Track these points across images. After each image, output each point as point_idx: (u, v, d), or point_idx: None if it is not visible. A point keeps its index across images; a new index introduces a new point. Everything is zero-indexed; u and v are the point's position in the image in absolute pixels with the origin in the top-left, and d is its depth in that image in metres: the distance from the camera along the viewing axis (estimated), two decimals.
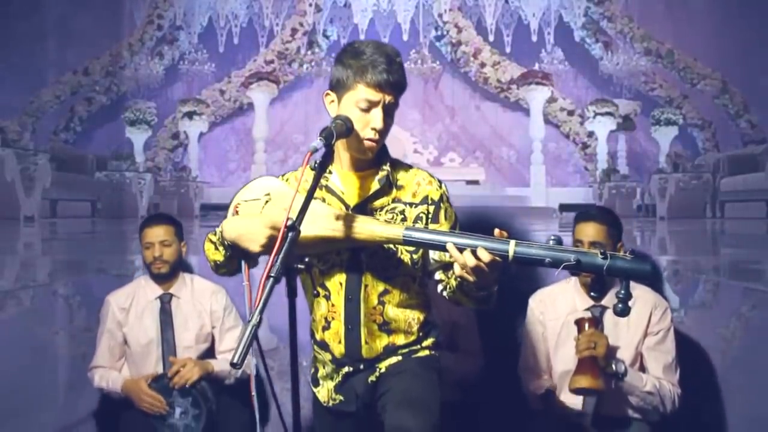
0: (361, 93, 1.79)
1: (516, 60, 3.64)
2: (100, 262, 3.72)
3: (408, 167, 2.01)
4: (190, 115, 3.64)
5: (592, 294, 1.65)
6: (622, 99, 3.46)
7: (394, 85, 1.76)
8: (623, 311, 1.54)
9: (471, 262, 1.59)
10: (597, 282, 1.58)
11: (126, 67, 3.80)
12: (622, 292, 1.52)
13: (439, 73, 3.55)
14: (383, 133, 1.81)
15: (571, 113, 3.38)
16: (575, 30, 3.56)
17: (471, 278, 1.63)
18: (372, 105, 1.77)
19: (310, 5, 3.70)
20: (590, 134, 3.31)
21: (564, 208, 3.86)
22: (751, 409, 3.25)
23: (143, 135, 3.56)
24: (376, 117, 1.78)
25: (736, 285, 3.51)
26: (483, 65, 3.56)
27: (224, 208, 1.93)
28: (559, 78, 3.62)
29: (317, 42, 3.64)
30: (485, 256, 1.58)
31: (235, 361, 1.31)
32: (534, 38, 3.51)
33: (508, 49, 3.63)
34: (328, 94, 1.97)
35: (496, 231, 1.63)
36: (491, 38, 3.63)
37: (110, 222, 3.83)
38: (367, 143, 1.80)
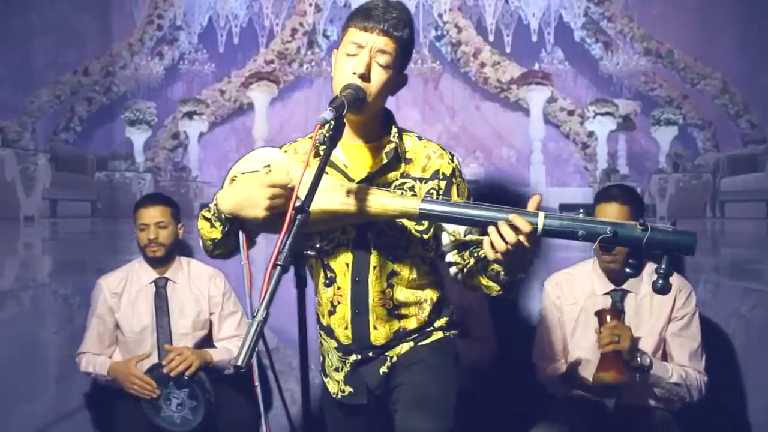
0: (349, 35, 1.72)
1: (516, 60, 3.65)
2: (100, 262, 3.71)
3: (417, 138, 1.86)
4: (190, 115, 3.63)
5: (627, 271, 1.54)
6: (622, 99, 3.47)
7: (384, 29, 1.69)
8: (664, 288, 1.49)
9: (511, 237, 1.48)
10: (635, 257, 1.52)
11: (126, 67, 3.79)
12: (663, 267, 1.48)
13: (439, 73, 3.55)
14: (366, 78, 1.70)
15: (571, 113, 3.39)
16: (575, 30, 3.57)
17: (502, 256, 1.52)
18: (359, 48, 1.70)
19: (310, 5, 3.69)
20: (590, 134, 3.33)
21: (564, 208, 3.87)
22: (750, 409, 3.25)
23: (143, 135, 3.56)
24: (359, 60, 1.69)
25: (736, 285, 3.51)
26: (483, 65, 3.56)
27: None
28: (559, 78, 3.61)
29: (317, 42, 3.64)
30: (524, 226, 1.47)
31: (239, 363, 1.23)
32: (534, 38, 3.52)
33: (508, 49, 3.63)
34: (335, 52, 1.81)
35: (532, 201, 1.54)
36: (491, 38, 3.63)
37: (110, 222, 3.82)
38: None
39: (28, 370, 3.55)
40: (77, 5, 3.83)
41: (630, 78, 3.61)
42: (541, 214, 1.50)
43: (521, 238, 1.49)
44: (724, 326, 3.31)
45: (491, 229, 1.52)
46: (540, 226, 1.48)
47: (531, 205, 1.55)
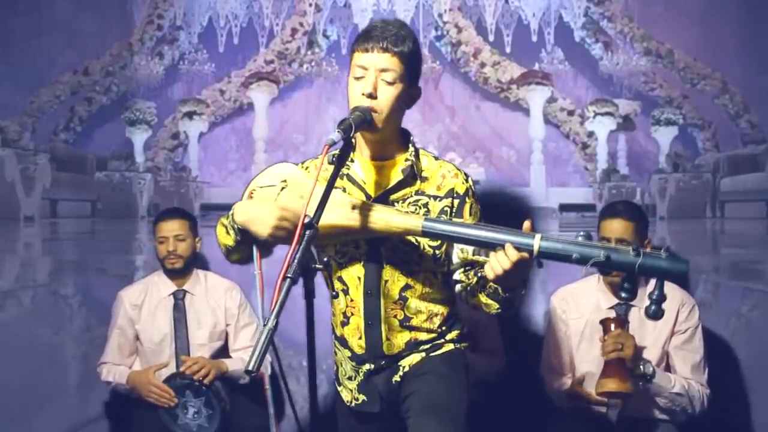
0: (354, 60, 1.77)
1: (516, 60, 3.65)
2: (100, 262, 3.71)
3: (434, 158, 1.89)
4: (190, 115, 3.64)
5: (622, 295, 1.53)
6: (622, 99, 3.49)
7: (383, 47, 1.73)
8: (656, 314, 1.50)
9: (505, 263, 1.56)
10: (628, 281, 1.51)
11: (126, 67, 3.80)
12: (656, 292, 1.49)
13: (439, 73, 3.56)
14: (374, 97, 1.74)
15: (571, 113, 3.40)
16: (575, 30, 3.58)
17: (497, 276, 1.59)
18: (363, 70, 1.75)
19: (310, 5, 3.70)
20: (590, 134, 3.34)
21: (564, 208, 3.89)
22: (752, 409, 3.25)
23: (143, 135, 3.58)
24: (365, 81, 1.74)
25: (736, 285, 3.51)
26: (483, 65, 3.57)
27: (225, 208, 1.90)
28: (559, 78, 3.62)
29: (317, 42, 3.66)
30: (512, 254, 1.55)
31: (250, 368, 1.30)
32: (534, 38, 3.53)
33: (508, 49, 3.64)
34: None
35: (526, 224, 1.60)
36: (491, 38, 3.64)
37: (110, 222, 3.82)
38: None
39: (28, 370, 3.55)
40: (77, 5, 3.83)
41: (630, 78, 3.61)
42: (537, 237, 1.55)
43: (514, 263, 1.56)
44: (724, 326, 3.31)
45: (491, 254, 1.59)
46: (536, 249, 1.54)
47: (525, 228, 1.60)
